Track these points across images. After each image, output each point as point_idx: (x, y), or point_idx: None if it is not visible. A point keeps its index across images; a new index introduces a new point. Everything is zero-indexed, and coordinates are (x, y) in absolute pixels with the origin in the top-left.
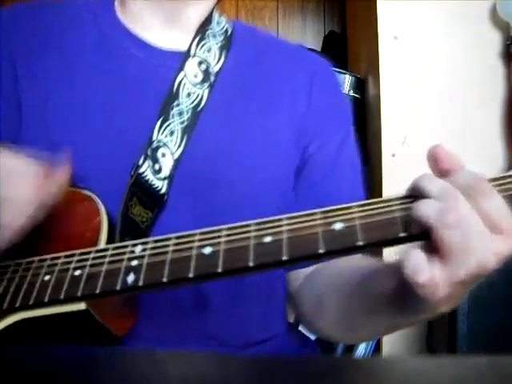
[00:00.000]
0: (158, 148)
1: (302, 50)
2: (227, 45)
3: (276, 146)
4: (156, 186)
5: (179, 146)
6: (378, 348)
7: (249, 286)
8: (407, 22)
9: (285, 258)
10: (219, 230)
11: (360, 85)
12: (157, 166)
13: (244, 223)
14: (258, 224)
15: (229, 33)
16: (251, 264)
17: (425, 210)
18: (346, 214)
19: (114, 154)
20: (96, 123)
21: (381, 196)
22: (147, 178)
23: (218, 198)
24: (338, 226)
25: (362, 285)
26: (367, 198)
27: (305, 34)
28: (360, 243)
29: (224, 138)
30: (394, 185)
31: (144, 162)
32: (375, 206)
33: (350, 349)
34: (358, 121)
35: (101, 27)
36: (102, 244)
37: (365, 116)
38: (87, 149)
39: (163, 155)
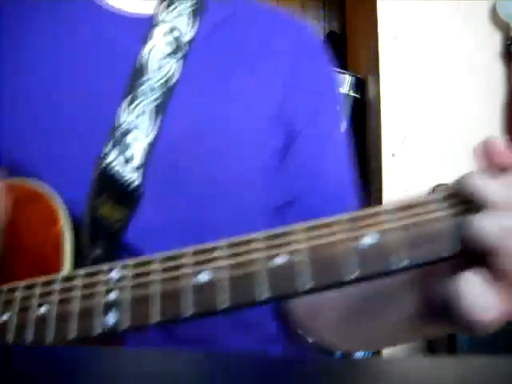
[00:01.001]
0: (127, 132)
1: (285, 14)
2: (200, 9)
3: (258, 125)
4: (128, 177)
5: (152, 129)
6: None
7: None
8: (407, 21)
9: (308, 286)
10: (217, 248)
11: (360, 85)
12: (127, 154)
13: (249, 237)
14: (267, 238)
15: None
16: (264, 297)
17: (490, 228)
18: (377, 223)
19: (73, 143)
20: (48, 105)
21: (380, 197)
22: (116, 168)
23: (197, 189)
24: (369, 241)
25: (373, 297)
26: (366, 199)
27: None
28: (404, 264)
29: (201, 118)
30: (394, 185)
31: (112, 149)
32: (412, 213)
33: None
34: (358, 121)
35: None
36: (68, 261)
37: (365, 116)
38: (37, 139)
39: (134, 140)
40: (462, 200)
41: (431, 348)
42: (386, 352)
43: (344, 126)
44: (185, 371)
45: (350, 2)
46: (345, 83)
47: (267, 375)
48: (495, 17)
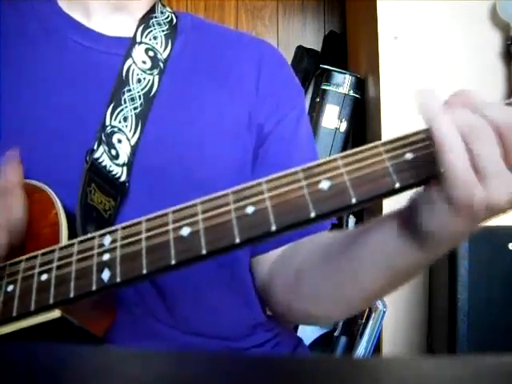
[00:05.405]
0: (112, 133)
1: (247, 35)
2: (173, 33)
3: (230, 129)
4: (115, 172)
5: (135, 133)
6: (378, 348)
7: (207, 272)
8: (407, 22)
9: (274, 228)
10: (193, 206)
11: (360, 85)
12: (113, 152)
13: (220, 194)
14: (235, 193)
15: (174, 22)
16: (237, 240)
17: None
18: (331, 169)
19: (65, 143)
20: (41, 112)
21: (381, 200)
22: (104, 163)
23: (176, 188)
24: (325, 185)
25: (355, 246)
26: None
27: (305, 33)
28: (353, 201)
29: (177, 125)
30: None
31: (99, 146)
32: (361, 156)
33: (350, 349)
34: (358, 121)
35: (41, 16)
36: (64, 239)
37: (365, 116)
38: (34, 138)
39: (119, 141)
40: (403, 144)
41: (431, 348)
42: (386, 352)
43: (344, 126)
44: (185, 372)
45: (349, 2)
46: (345, 83)
47: (267, 375)
48: (495, 17)
